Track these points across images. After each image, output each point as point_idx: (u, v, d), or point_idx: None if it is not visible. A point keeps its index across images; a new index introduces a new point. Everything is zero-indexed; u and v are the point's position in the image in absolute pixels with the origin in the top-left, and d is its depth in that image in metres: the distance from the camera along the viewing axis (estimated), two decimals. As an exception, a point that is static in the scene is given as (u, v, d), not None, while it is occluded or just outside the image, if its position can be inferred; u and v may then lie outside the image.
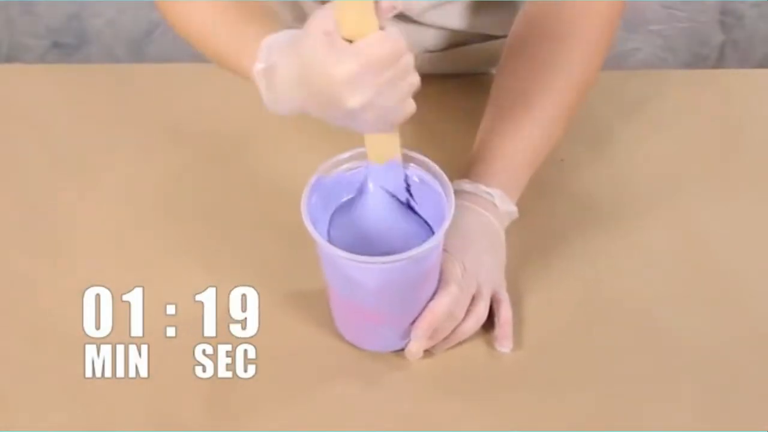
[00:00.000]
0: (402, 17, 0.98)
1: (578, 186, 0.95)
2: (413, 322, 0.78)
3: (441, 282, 0.78)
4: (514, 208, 0.84)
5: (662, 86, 1.06)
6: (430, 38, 1.02)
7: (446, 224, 0.73)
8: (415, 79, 0.69)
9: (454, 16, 0.99)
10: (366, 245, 0.76)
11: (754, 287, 0.88)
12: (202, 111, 1.02)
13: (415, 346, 0.79)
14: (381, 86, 0.66)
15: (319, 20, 0.66)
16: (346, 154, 0.78)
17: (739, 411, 0.79)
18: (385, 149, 0.75)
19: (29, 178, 0.96)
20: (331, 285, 0.79)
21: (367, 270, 0.73)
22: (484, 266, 0.81)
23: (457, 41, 1.03)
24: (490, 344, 0.82)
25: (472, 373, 0.81)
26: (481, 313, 0.80)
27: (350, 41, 0.65)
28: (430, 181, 0.77)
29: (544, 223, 0.92)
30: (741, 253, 0.90)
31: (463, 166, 0.86)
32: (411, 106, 0.70)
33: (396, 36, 0.66)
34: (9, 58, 1.97)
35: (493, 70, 1.07)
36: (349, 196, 0.79)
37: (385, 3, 0.65)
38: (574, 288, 0.87)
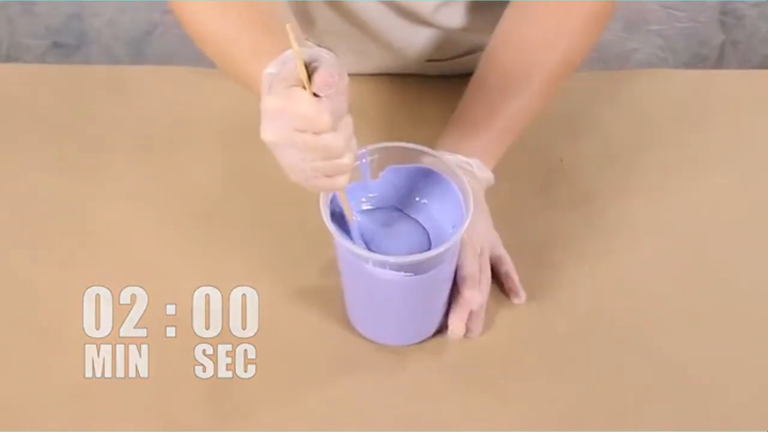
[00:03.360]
0: (412, 16, 0.98)
1: (577, 186, 0.95)
2: (430, 314, 0.80)
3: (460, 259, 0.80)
4: (491, 175, 0.87)
5: (662, 86, 1.06)
6: (436, 43, 1.02)
7: (465, 224, 0.74)
8: (344, 163, 0.69)
9: (460, 15, 1.00)
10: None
11: (756, 288, 0.88)
12: (202, 111, 1.02)
13: (458, 327, 0.81)
14: (291, 141, 0.67)
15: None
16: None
17: (739, 411, 0.79)
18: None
19: (29, 178, 0.96)
20: (347, 284, 0.79)
21: (389, 273, 0.74)
22: (481, 229, 0.84)
23: (460, 48, 1.04)
24: (498, 345, 0.82)
25: (476, 372, 0.81)
26: (487, 273, 0.83)
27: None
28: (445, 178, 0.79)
29: (543, 222, 0.92)
30: (741, 253, 0.90)
31: (440, 136, 0.88)
32: (335, 184, 0.71)
33: (320, 110, 0.65)
34: (9, 58, 1.97)
35: None
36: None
37: (321, 76, 0.64)
38: (570, 287, 0.87)
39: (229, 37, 0.80)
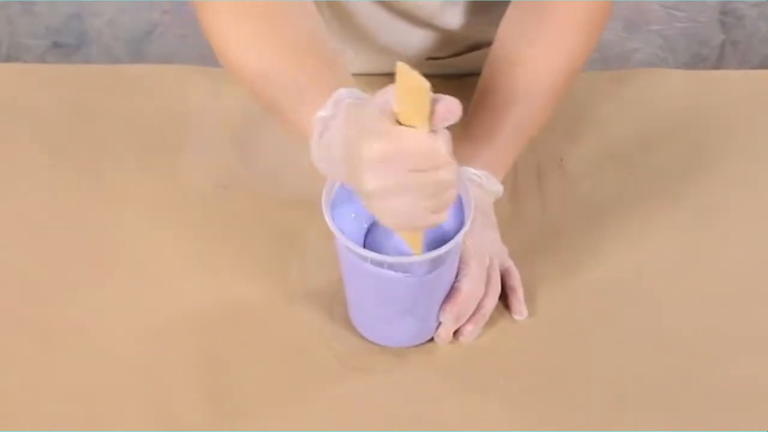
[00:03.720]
0: (412, 18, 0.98)
1: (577, 186, 0.95)
2: (430, 317, 0.80)
3: (460, 263, 0.79)
4: (500, 187, 0.87)
5: (662, 86, 1.07)
6: (435, 42, 1.02)
7: (465, 228, 0.73)
8: (451, 195, 0.66)
9: (460, 16, 0.99)
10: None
11: (757, 287, 0.88)
12: (202, 111, 1.02)
13: (444, 331, 0.81)
14: (405, 184, 0.63)
15: (383, 95, 0.64)
16: None
17: (739, 411, 0.79)
18: (408, 242, 0.73)
19: (29, 179, 0.96)
20: (348, 284, 0.79)
21: (392, 274, 0.74)
22: (488, 240, 0.84)
23: (459, 46, 1.04)
24: (497, 346, 0.82)
25: (475, 373, 0.81)
26: (497, 284, 0.83)
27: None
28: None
29: (543, 223, 0.92)
30: (742, 253, 0.90)
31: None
32: (439, 219, 0.68)
33: (440, 145, 0.63)
34: (9, 58, 1.97)
35: None
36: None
37: (443, 108, 0.61)
38: (571, 287, 0.87)
39: (271, 77, 0.76)
